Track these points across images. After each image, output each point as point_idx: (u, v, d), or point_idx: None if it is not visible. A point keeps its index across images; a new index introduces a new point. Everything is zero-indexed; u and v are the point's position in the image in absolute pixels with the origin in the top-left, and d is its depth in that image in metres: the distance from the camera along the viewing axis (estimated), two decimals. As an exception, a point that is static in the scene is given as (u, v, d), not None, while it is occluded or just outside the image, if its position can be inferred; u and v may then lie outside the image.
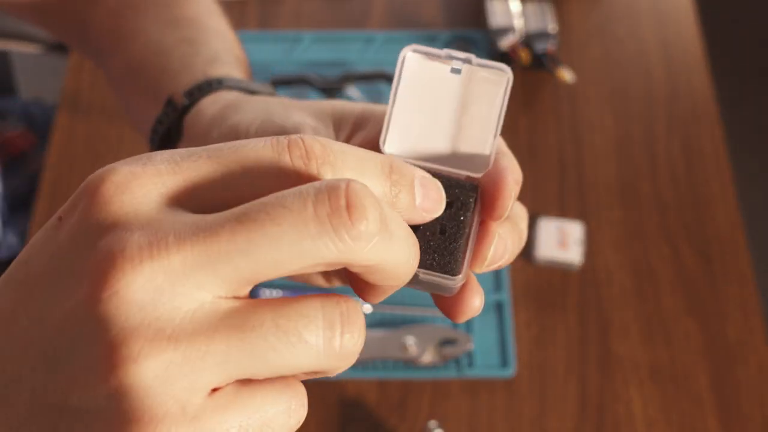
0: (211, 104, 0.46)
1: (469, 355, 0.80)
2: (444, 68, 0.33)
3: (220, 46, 0.53)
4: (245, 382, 0.25)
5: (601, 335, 0.83)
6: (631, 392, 0.80)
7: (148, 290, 0.24)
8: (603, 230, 0.88)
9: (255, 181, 0.25)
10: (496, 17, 0.98)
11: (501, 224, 0.35)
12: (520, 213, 0.38)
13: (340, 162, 0.26)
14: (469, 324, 0.82)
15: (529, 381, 0.80)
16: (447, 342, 0.79)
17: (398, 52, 0.34)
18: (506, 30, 0.96)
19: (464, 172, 0.34)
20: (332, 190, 0.24)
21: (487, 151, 0.34)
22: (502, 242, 0.34)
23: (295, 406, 0.26)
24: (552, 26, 0.97)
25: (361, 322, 0.26)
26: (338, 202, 0.24)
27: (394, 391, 0.80)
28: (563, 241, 0.85)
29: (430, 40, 1.00)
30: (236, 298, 0.25)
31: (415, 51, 0.33)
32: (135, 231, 0.24)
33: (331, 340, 0.25)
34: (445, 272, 0.32)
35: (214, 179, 0.26)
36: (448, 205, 0.32)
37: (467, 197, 0.33)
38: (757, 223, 1.87)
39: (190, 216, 0.25)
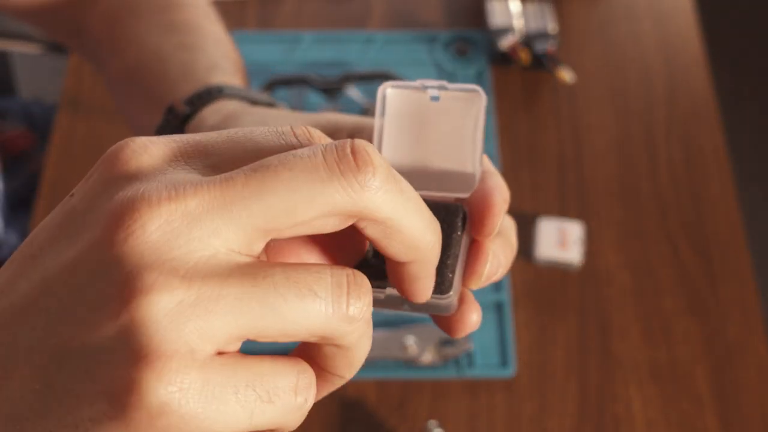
0: (212, 114, 0.46)
1: (469, 355, 0.80)
2: (423, 97, 0.35)
3: (217, 52, 0.53)
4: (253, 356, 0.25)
5: (601, 335, 0.83)
6: (630, 392, 0.80)
7: (165, 232, 0.24)
8: (603, 230, 0.88)
9: (264, 149, 0.26)
10: (496, 17, 0.98)
11: (493, 241, 0.35)
12: (509, 225, 0.38)
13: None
14: (469, 324, 0.82)
15: (529, 381, 0.80)
16: (447, 342, 0.79)
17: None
18: (506, 30, 0.96)
19: (452, 194, 0.35)
20: (340, 142, 0.25)
21: (471, 172, 0.35)
22: (495, 258, 0.35)
23: (303, 385, 0.26)
24: (552, 26, 0.97)
25: (367, 290, 0.26)
26: (345, 150, 0.25)
27: (394, 391, 0.80)
28: (563, 241, 0.85)
29: (430, 41, 1.00)
30: (251, 255, 0.25)
31: (393, 87, 0.35)
32: (153, 181, 0.25)
33: (340, 298, 0.25)
34: (436, 292, 0.32)
35: (226, 148, 0.27)
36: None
37: (453, 218, 0.34)
38: (757, 223, 1.87)
39: (205, 173, 0.26)
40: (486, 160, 0.37)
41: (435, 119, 0.35)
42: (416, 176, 0.35)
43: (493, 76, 0.98)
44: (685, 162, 0.93)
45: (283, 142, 0.27)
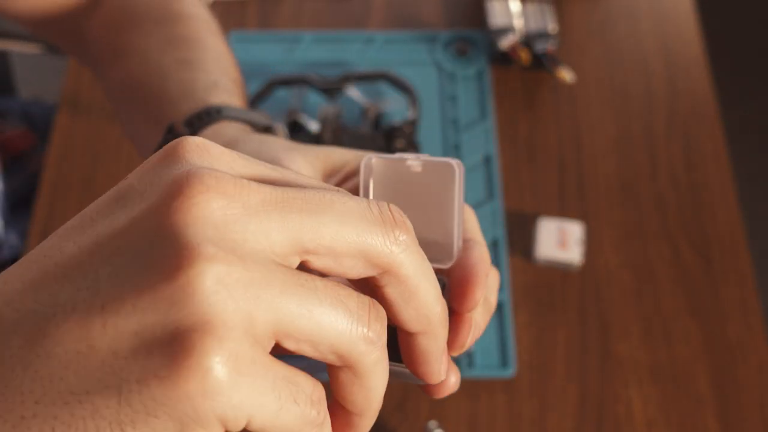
0: (212, 137, 0.46)
1: (469, 356, 0.80)
2: (407, 168, 0.36)
3: (217, 69, 0.53)
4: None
5: (601, 335, 0.83)
6: (631, 392, 0.80)
7: (225, 213, 0.24)
8: (603, 230, 0.88)
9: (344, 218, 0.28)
10: (496, 17, 0.98)
11: (472, 318, 0.36)
12: (491, 285, 0.39)
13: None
14: (469, 324, 0.82)
15: (529, 381, 0.80)
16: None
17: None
18: (506, 30, 0.96)
19: (433, 265, 0.35)
20: (380, 202, 0.28)
21: (450, 243, 0.35)
22: (477, 327, 0.36)
23: (317, 397, 0.27)
24: (552, 26, 0.97)
25: (384, 317, 0.28)
26: (386, 207, 0.28)
27: (394, 391, 0.80)
28: (563, 241, 0.85)
29: (430, 40, 1.00)
30: (311, 251, 0.27)
31: (378, 158, 0.36)
32: (219, 169, 0.26)
33: (362, 317, 0.27)
34: (399, 359, 0.33)
35: (302, 203, 0.27)
36: None
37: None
38: (758, 223, 1.87)
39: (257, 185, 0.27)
40: (473, 223, 0.38)
41: (417, 189, 0.36)
42: None
43: (493, 76, 0.98)
44: (685, 162, 0.93)
45: (364, 217, 0.28)
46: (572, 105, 0.97)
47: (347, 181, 0.41)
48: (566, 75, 0.95)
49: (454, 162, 0.35)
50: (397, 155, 0.36)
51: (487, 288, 0.37)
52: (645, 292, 0.85)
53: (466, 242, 0.37)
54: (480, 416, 0.79)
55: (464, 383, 0.80)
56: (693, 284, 0.86)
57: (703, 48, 1.01)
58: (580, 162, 0.93)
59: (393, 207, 0.28)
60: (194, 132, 0.47)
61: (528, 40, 0.97)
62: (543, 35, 0.96)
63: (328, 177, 0.41)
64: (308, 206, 0.26)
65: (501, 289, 0.84)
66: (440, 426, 0.77)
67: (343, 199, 0.27)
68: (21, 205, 1.02)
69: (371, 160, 0.36)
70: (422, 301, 0.29)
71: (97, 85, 0.98)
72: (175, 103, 0.50)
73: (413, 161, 0.36)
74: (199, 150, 0.27)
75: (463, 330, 0.35)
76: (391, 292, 0.29)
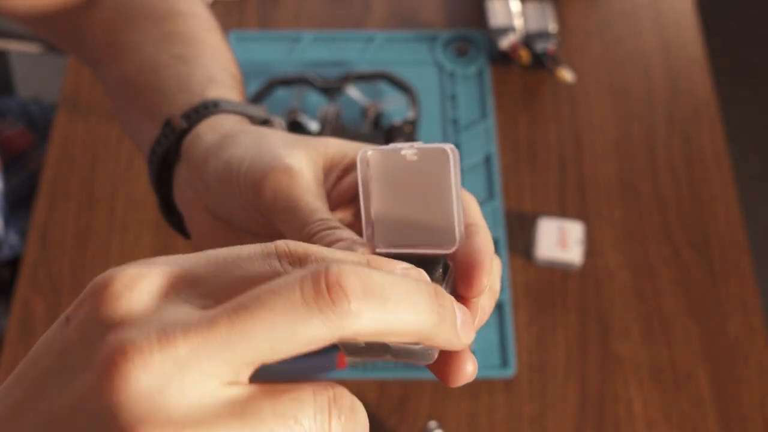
0: (209, 131, 0.46)
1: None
2: (402, 158, 0.36)
3: (215, 65, 0.53)
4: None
5: (602, 335, 0.83)
6: (631, 392, 0.80)
7: (157, 380, 0.25)
8: (603, 230, 0.88)
9: (249, 276, 0.27)
10: (496, 17, 0.98)
11: (478, 302, 0.36)
12: (495, 270, 0.38)
13: (385, 301, 0.27)
14: (469, 324, 0.82)
15: (529, 381, 0.80)
16: (447, 342, 0.79)
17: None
18: (506, 30, 0.96)
19: (438, 251, 0.35)
20: (315, 273, 0.26)
21: (452, 228, 0.35)
22: (483, 312, 0.36)
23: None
24: (552, 26, 0.97)
25: (350, 404, 0.27)
26: (320, 285, 0.26)
27: (394, 392, 0.80)
28: (563, 241, 0.85)
29: (431, 40, 1.00)
30: (238, 383, 0.26)
31: (373, 150, 0.36)
32: (144, 325, 0.25)
33: (323, 423, 0.26)
34: None
35: (211, 277, 0.27)
36: (416, 260, 0.34)
37: (432, 269, 0.34)
38: (758, 223, 1.87)
39: (193, 309, 0.26)
40: (474, 209, 0.37)
41: (414, 178, 0.36)
42: (402, 233, 0.36)
43: (493, 76, 0.98)
44: (685, 162, 0.93)
45: (267, 267, 0.27)
46: (572, 105, 0.97)
47: (347, 175, 0.41)
48: (566, 75, 0.95)
49: (448, 147, 0.35)
50: (392, 146, 0.36)
51: (492, 274, 0.37)
52: (645, 292, 0.85)
53: (469, 227, 0.36)
54: (480, 416, 0.79)
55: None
56: (693, 284, 0.85)
57: (703, 48, 1.01)
58: (580, 162, 0.93)
59: (330, 276, 0.26)
60: (191, 125, 0.47)
61: (528, 40, 0.96)
62: (543, 35, 0.96)
63: (328, 170, 0.41)
64: (235, 331, 0.25)
65: (501, 289, 0.84)
66: (440, 426, 0.77)
67: (269, 302, 0.25)
68: (21, 204, 1.02)
69: (367, 154, 0.36)
70: (403, 333, 0.28)
71: (96, 84, 0.98)
72: (171, 97, 0.50)
73: (408, 150, 0.36)
74: (128, 291, 0.26)
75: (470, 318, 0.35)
76: (375, 338, 0.28)
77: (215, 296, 0.27)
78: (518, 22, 0.97)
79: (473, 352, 0.81)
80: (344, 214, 0.42)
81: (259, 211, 0.40)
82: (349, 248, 0.35)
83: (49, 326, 0.84)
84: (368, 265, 0.29)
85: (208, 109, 0.47)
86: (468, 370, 0.35)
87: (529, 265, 0.86)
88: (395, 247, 0.36)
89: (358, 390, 0.79)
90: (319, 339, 0.26)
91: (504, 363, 0.80)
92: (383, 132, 0.89)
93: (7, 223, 0.97)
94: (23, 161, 1.05)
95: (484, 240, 0.36)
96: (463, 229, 0.36)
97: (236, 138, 0.44)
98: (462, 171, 0.91)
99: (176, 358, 0.25)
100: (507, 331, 0.82)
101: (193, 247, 0.46)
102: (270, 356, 0.26)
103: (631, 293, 0.85)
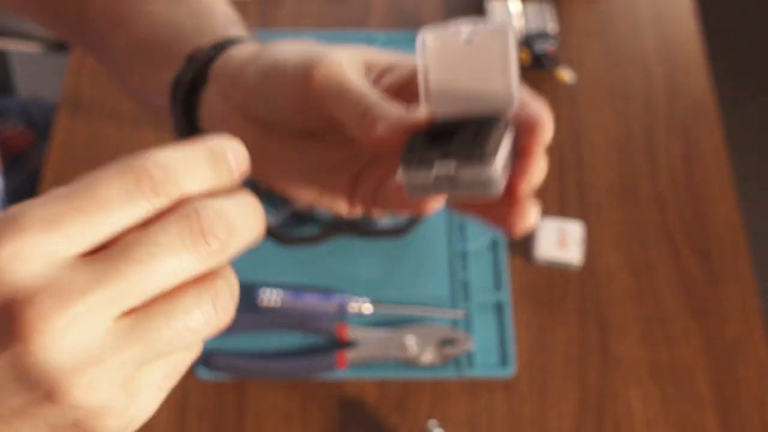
0: (241, 49, 0.47)
1: (469, 355, 0.80)
2: (459, 40, 0.39)
3: (228, 19, 0.54)
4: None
5: (601, 335, 0.83)
6: (630, 392, 0.80)
7: (57, 344, 0.28)
8: (603, 230, 0.88)
9: (114, 221, 0.30)
10: (495, 17, 0.98)
11: (540, 155, 0.39)
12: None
13: (180, 178, 0.31)
14: (468, 324, 0.82)
15: (529, 381, 0.80)
16: (447, 342, 0.79)
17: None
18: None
19: (497, 109, 0.39)
20: (186, 217, 0.30)
21: (511, 91, 0.39)
22: (541, 169, 0.39)
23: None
24: (552, 26, 0.97)
25: (228, 291, 0.31)
26: (191, 227, 0.30)
27: (394, 391, 0.80)
28: (563, 241, 0.85)
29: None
30: (134, 309, 0.30)
31: (432, 32, 0.39)
32: (35, 295, 0.28)
33: (210, 316, 0.31)
34: (475, 161, 0.36)
35: (83, 231, 0.29)
36: (472, 123, 0.38)
37: (496, 116, 0.38)
38: (757, 223, 1.87)
39: (77, 266, 0.29)
40: (528, 92, 0.41)
41: (473, 54, 0.39)
42: (460, 100, 0.39)
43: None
44: (685, 162, 0.93)
45: (133, 203, 0.30)
46: (572, 105, 0.97)
47: (382, 78, 0.43)
48: (566, 75, 0.95)
49: (507, 25, 0.39)
50: (450, 29, 0.39)
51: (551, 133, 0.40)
52: (645, 292, 0.85)
53: (525, 96, 0.40)
54: (480, 416, 0.79)
55: (464, 383, 0.80)
56: (693, 284, 0.86)
57: (702, 48, 1.01)
58: (579, 162, 0.93)
59: (202, 215, 0.30)
60: (218, 53, 0.48)
61: (528, 41, 0.96)
62: (543, 35, 0.96)
63: (366, 72, 0.43)
64: (128, 281, 0.29)
65: (501, 289, 0.84)
66: (440, 426, 0.77)
67: (153, 252, 0.29)
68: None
69: (426, 41, 0.39)
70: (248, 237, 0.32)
71: (97, 84, 0.98)
72: (191, 40, 0.51)
73: (466, 33, 0.39)
74: (12, 263, 0.28)
75: (532, 164, 0.39)
76: None
77: (93, 242, 0.29)
78: (518, 23, 0.97)
79: (473, 352, 0.81)
80: None
81: (309, 101, 0.42)
82: (402, 112, 0.39)
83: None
84: (212, 154, 0.32)
85: (233, 42, 0.49)
86: (531, 213, 0.39)
87: (529, 265, 0.86)
88: (453, 109, 0.39)
89: (357, 390, 0.79)
90: (194, 270, 0.30)
91: (504, 363, 0.80)
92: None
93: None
94: (23, 161, 1.05)
95: (541, 104, 0.40)
96: (521, 91, 0.39)
97: (276, 46, 0.45)
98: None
99: (75, 313, 0.28)
100: (507, 331, 0.82)
101: None
102: (157, 285, 0.29)
103: (631, 293, 0.85)
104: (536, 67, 0.97)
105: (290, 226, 0.87)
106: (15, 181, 1.03)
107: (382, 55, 0.44)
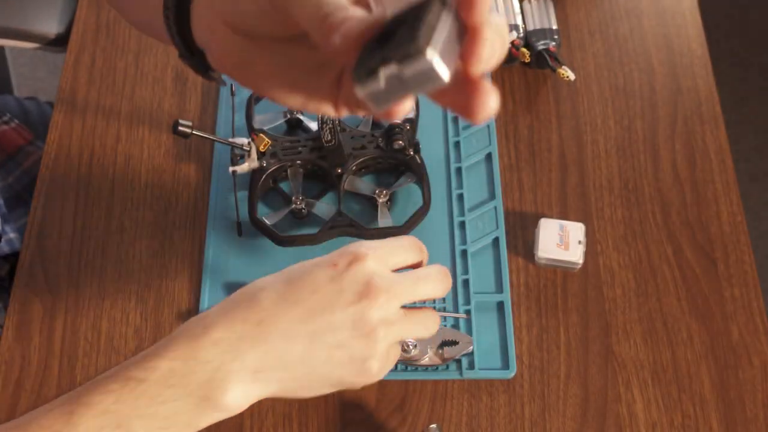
0: None
1: (470, 357, 0.80)
2: None
3: None
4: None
5: (603, 336, 0.82)
6: (633, 394, 0.79)
7: (384, 307, 0.58)
8: (605, 230, 0.88)
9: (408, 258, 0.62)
10: (497, 15, 0.97)
11: (486, 27, 0.38)
12: (501, 23, 0.41)
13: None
14: (469, 325, 0.81)
15: (530, 382, 0.80)
16: (447, 343, 0.79)
17: None
18: (507, 28, 0.96)
19: None
20: (442, 270, 0.64)
21: None
22: (490, 43, 0.38)
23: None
24: (554, 24, 0.96)
25: (434, 318, 0.64)
26: (443, 274, 0.64)
27: (394, 393, 0.79)
28: (565, 242, 0.84)
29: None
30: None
31: None
32: (379, 278, 0.58)
33: (430, 329, 0.63)
34: (412, 56, 0.35)
35: (397, 260, 0.61)
36: (412, 12, 0.37)
37: (426, 3, 0.37)
38: (761, 223, 1.86)
39: (392, 274, 0.59)
40: None
41: None
42: None
43: (493, 74, 0.97)
44: (688, 161, 0.92)
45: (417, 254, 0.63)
46: (574, 103, 0.96)
47: None
48: (568, 73, 0.94)
49: None
50: None
51: (497, 25, 0.39)
52: (647, 293, 0.84)
53: None
54: (481, 417, 0.78)
55: (465, 384, 0.79)
56: (696, 285, 0.85)
57: (705, 46, 1.00)
58: (581, 161, 0.92)
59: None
60: None
61: (529, 39, 0.96)
62: (544, 33, 0.96)
63: None
64: (416, 289, 0.60)
65: (502, 289, 0.83)
66: (440, 429, 0.77)
67: (432, 278, 0.61)
68: (16, 201, 1.01)
69: None
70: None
71: (93, 82, 0.97)
72: None
73: None
74: (365, 262, 0.58)
75: (477, 42, 0.38)
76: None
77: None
78: (519, 20, 0.96)
79: (473, 353, 0.81)
80: None
81: (275, 4, 0.42)
82: (360, 14, 0.39)
83: (46, 327, 0.83)
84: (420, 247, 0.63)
85: None
86: (490, 103, 0.39)
87: (530, 265, 0.85)
88: (401, 5, 0.38)
89: (357, 391, 0.78)
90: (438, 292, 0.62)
91: (505, 364, 0.80)
92: (383, 131, 0.89)
93: (4, 219, 0.96)
94: (19, 158, 1.04)
95: None
96: None
97: None
98: (462, 170, 0.90)
99: (393, 291, 0.58)
100: (508, 332, 0.81)
101: (221, 68, 0.49)
102: (419, 296, 0.60)
103: (633, 294, 0.84)
104: (537, 66, 0.96)
105: (290, 226, 0.86)
106: (10, 178, 1.02)
107: None
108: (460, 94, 0.39)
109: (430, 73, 0.35)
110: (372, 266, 0.57)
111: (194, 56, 0.52)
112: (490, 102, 0.39)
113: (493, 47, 0.38)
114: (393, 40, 0.36)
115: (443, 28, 0.36)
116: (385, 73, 0.36)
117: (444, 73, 0.36)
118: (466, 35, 0.38)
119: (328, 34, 0.39)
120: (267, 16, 0.43)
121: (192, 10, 0.49)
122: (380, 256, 0.58)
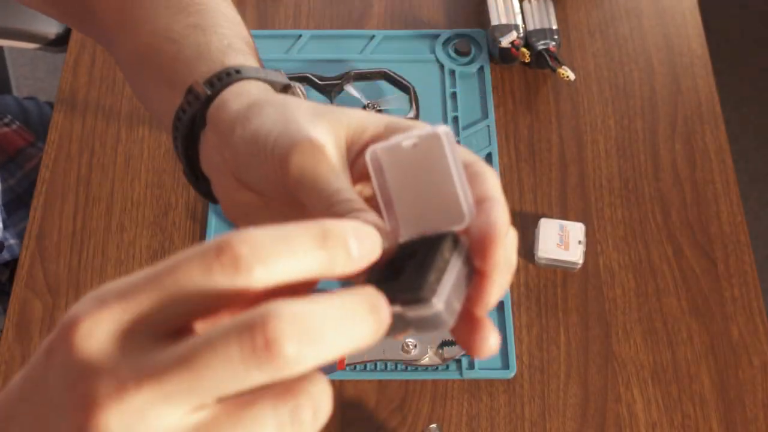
0: (235, 97, 0.46)
1: (470, 356, 0.80)
2: (405, 148, 0.38)
3: (230, 32, 0.53)
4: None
5: (603, 336, 0.82)
6: (633, 394, 0.79)
7: (125, 423, 0.27)
8: (605, 230, 0.88)
9: (193, 301, 0.29)
10: (497, 15, 0.97)
11: (496, 274, 0.36)
12: (511, 242, 0.39)
13: (271, 255, 0.29)
14: (469, 325, 0.81)
15: (530, 382, 0.80)
16: (447, 343, 0.79)
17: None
18: (507, 27, 0.96)
19: (448, 228, 0.37)
20: (251, 327, 0.27)
21: (459, 205, 0.37)
22: (500, 286, 0.37)
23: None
24: (554, 24, 0.96)
25: (311, 414, 0.29)
26: (255, 341, 0.27)
27: (394, 393, 0.79)
28: (565, 242, 0.84)
29: (431, 38, 0.99)
30: (203, 407, 0.28)
31: (381, 147, 0.38)
32: (104, 376, 0.28)
33: None
34: (417, 302, 0.34)
35: (158, 307, 0.29)
36: (423, 247, 0.36)
37: (441, 238, 0.36)
38: (761, 223, 1.86)
39: (149, 350, 0.29)
40: (492, 184, 0.38)
41: (420, 164, 0.38)
42: (420, 217, 0.38)
43: (493, 74, 0.97)
44: (688, 161, 0.92)
45: (210, 282, 0.29)
46: (573, 103, 0.96)
47: (368, 148, 0.41)
48: (567, 73, 0.94)
49: (440, 130, 0.37)
50: (393, 139, 0.38)
51: (508, 247, 0.37)
52: (647, 293, 0.84)
53: (485, 202, 0.37)
54: (481, 417, 0.78)
55: (465, 384, 0.79)
56: (696, 285, 0.85)
57: (705, 46, 1.00)
58: (581, 161, 0.92)
59: (267, 327, 0.27)
60: (216, 92, 0.47)
61: (529, 38, 0.96)
62: (545, 33, 0.96)
63: (350, 143, 0.41)
64: (181, 381, 0.27)
65: (502, 289, 0.83)
66: (440, 429, 0.77)
67: (207, 356, 0.27)
68: (17, 203, 1.01)
69: (375, 152, 0.38)
70: (348, 351, 0.29)
71: (93, 83, 0.97)
72: (190, 65, 0.50)
73: (407, 141, 0.37)
74: (86, 340, 0.29)
75: (486, 288, 0.36)
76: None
77: (169, 323, 0.29)
78: (519, 20, 0.96)
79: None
80: (367, 186, 0.42)
81: (286, 187, 0.41)
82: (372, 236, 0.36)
83: (46, 327, 0.83)
84: (324, 235, 0.30)
85: (230, 75, 0.47)
86: (491, 342, 0.36)
87: (530, 265, 0.85)
88: (416, 232, 0.38)
89: (357, 391, 0.78)
90: (261, 383, 0.28)
91: (505, 364, 0.80)
92: (383, 131, 0.89)
93: (4, 225, 0.96)
94: (20, 160, 1.04)
95: (497, 214, 0.36)
96: (471, 204, 0.37)
97: (262, 109, 0.44)
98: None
99: (135, 407, 0.27)
100: (508, 332, 0.81)
101: (224, 212, 0.47)
102: (221, 394, 0.28)
103: (633, 294, 0.84)
104: (537, 65, 0.96)
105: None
106: (11, 180, 1.02)
107: (368, 122, 0.41)
108: (460, 326, 0.37)
109: (435, 320, 0.35)
110: (104, 332, 0.29)
111: (199, 180, 0.50)
112: (490, 340, 0.37)
113: (501, 289, 0.37)
114: (401, 275, 0.35)
115: (452, 272, 0.35)
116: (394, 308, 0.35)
117: (448, 320, 0.35)
118: (475, 277, 0.37)
119: None
120: (281, 187, 0.42)
121: (202, 142, 0.48)
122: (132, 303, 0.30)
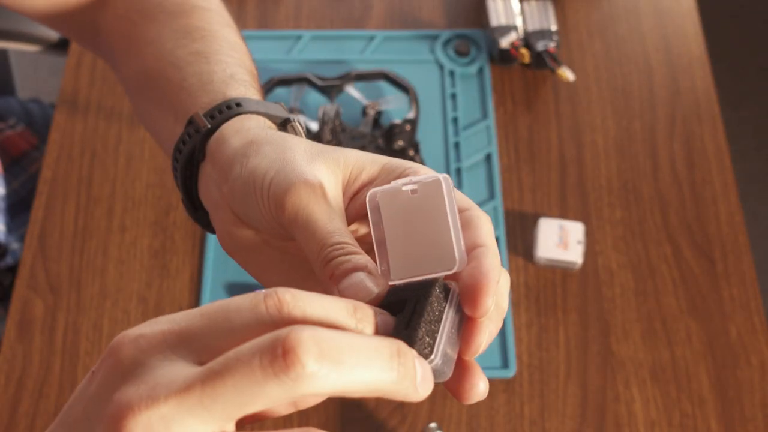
0: (234, 134, 0.47)
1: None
2: (405, 193, 0.39)
3: (233, 61, 0.53)
4: None
5: (602, 335, 0.82)
6: (632, 393, 0.80)
7: (149, 430, 0.30)
8: (604, 230, 0.88)
9: (236, 330, 0.31)
10: (497, 16, 0.97)
11: (487, 322, 0.37)
12: (502, 289, 0.39)
13: (308, 307, 0.32)
14: (469, 324, 0.81)
15: (530, 382, 0.80)
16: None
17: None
18: (507, 28, 0.96)
19: (439, 274, 0.37)
20: (275, 339, 0.29)
21: (451, 251, 0.37)
22: (489, 332, 0.37)
23: None
24: (553, 25, 0.97)
25: None
26: (276, 352, 0.29)
27: (394, 392, 0.79)
28: (564, 241, 0.85)
29: (431, 39, 1.00)
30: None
31: (381, 191, 0.39)
32: (139, 385, 0.30)
33: None
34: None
35: (203, 333, 0.32)
36: (414, 293, 0.36)
37: (427, 289, 0.36)
38: (759, 223, 1.86)
39: (182, 368, 0.31)
40: (485, 231, 0.39)
41: (418, 209, 0.39)
42: (413, 261, 0.38)
43: (493, 75, 0.98)
44: (686, 161, 0.93)
45: (255, 316, 0.31)
46: (573, 104, 0.96)
47: (365, 188, 0.42)
48: (567, 74, 0.95)
49: (441, 177, 0.38)
50: (393, 183, 0.39)
51: (499, 293, 0.38)
52: (646, 293, 0.85)
53: (477, 248, 0.38)
54: (480, 416, 0.78)
55: (464, 384, 0.79)
56: (695, 284, 0.85)
57: (704, 47, 1.01)
58: (580, 161, 0.92)
59: (289, 336, 0.29)
60: (216, 125, 0.47)
61: (529, 39, 0.96)
62: (544, 34, 0.96)
63: (347, 184, 0.42)
64: (206, 393, 0.30)
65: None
66: (440, 428, 0.77)
67: (232, 368, 0.29)
68: (21, 206, 1.01)
69: (375, 196, 0.39)
70: (361, 389, 0.30)
71: (95, 84, 0.97)
72: (193, 95, 0.51)
73: (408, 186, 0.39)
74: (131, 354, 0.32)
75: (476, 335, 0.36)
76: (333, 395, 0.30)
77: (207, 351, 0.31)
78: (519, 21, 0.97)
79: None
80: (362, 226, 0.43)
81: (282, 226, 0.41)
82: (362, 282, 0.37)
83: (47, 326, 0.84)
84: (355, 309, 0.33)
85: (231, 109, 0.48)
86: (480, 388, 0.37)
87: (530, 265, 0.86)
88: (407, 276, 0.38)
89: (357, 390, 0.79)
90: (280, 399, 0.29)
91: (504, 363, 0.80)
92: (383, 131, 0.89)
93: (8, 229, 0.96)
94: (24, 163, 1.04)
95: (488, 262, 0.37)
96: (463, 250, 0.38)
97: (261, 148, 0.44)
98: (461, 170, 0.90)
99: (161, 415, 0.29)
100: (507, 332, 0.81)
101: (221, 245, 0.47)
102: (239, 413, 0.30)
103: (632, 293, 0.85)
104: (537, 66, 0.96)
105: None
106: (15, 183, 1.02)
107: (366, 162, 0.42)
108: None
109: (434, 375, 0.35)
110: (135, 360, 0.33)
111: (198, 211, 0.50)
112: (480, 386, 0.37)
113: (491, 335, 0.37)
114: (396, 327, 0.35)
115: (445, 324, 0.36)
116: None
117: (447, 372, 0.35)
118: (465, 323, 0.37)
119: (327, 280, 0.39)
120: (277, 226, 0.42)
121: (201, 175, 0.48)
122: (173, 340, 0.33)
